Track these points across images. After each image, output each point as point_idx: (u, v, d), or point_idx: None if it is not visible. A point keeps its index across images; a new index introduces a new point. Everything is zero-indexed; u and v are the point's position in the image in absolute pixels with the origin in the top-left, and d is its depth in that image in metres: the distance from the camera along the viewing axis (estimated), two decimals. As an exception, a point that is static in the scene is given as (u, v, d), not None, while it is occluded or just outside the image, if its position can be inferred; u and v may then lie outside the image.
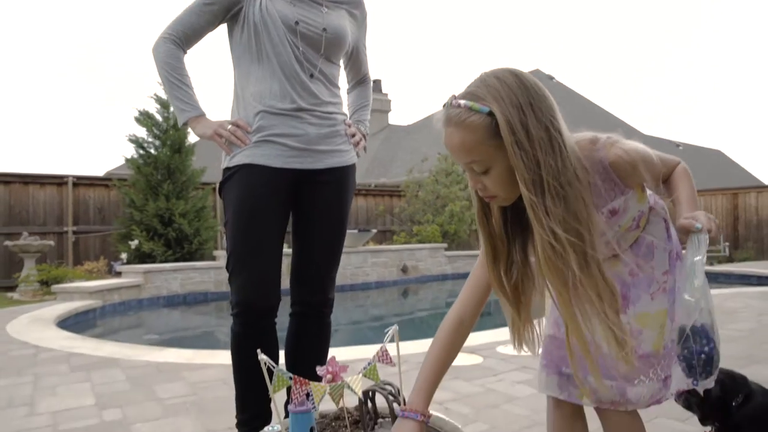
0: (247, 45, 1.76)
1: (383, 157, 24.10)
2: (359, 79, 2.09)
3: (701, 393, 1.54)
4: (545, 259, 1.03)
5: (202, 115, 1.78)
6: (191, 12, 1.76)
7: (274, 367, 1.17)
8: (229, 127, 1.74)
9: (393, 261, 9.79)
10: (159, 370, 3.32)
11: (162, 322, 6.66)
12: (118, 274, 8.00)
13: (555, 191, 1.01)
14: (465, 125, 1.03)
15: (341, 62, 1.93)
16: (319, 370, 1.27)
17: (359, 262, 9.26)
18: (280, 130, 1.73)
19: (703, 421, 1.63)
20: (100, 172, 13.84)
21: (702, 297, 1.04)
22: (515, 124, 1.00)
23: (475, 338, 4.01)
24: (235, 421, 1.83)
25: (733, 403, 1.56)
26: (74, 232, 9.41)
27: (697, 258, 1.05)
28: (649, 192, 1.27)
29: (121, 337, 5.22)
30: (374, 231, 10.37)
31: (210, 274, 8.04)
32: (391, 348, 1.27)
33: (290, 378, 1.19)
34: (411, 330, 5.45)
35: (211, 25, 1.79)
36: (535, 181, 1.01)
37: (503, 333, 4.24)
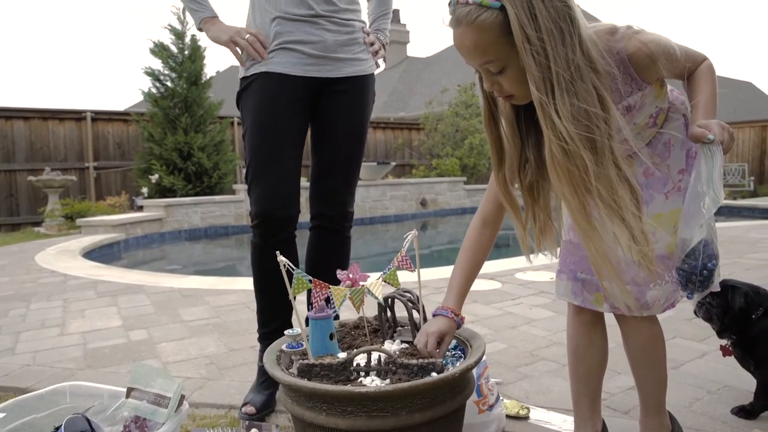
0: None
1: (402, 90, 23.67)
2: None
3: (725, 302, 1.52)
4: (555, 162, 0.99)
5: (216, 17, 1.73)
6: None
7: (293, 270, 1.18)
8: (248, 36, 1.68)
9: (412, 194, 9.78)
10: (182, 295, 3.41)
11: (184, 254, 6.80)
12: (140, 208, 8.13)
13: (566, 86, 0.96)
14: (477, 24, 0.96)
15: None
16: (340, 274, 1.27)
17: (378, 195, 9.27)
18: (297, 37, 1.67)
19: (721, 334, 1.63)
20: (120, 108, 13.81)
21: (709, 213, 1.01)
22: (526, 18, 0.94)
23: (493, 266, 4.03)
24: (256, 339, 1.87)
25: (753, 316, 1.55)
26: (95, 168, 9.51)
27: (709, 170, 0.99)
28: (669, 87, 1.20)
29: (145, 268, 5.36)
30: (393, 164, 10.31)
31: (230, 207, 8.13)
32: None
33: (310, 281, 1.19)
34: (431, 261, 5.49)
35: None
36: (545, 78, 0.96)
37: (522, 261, 4.25)
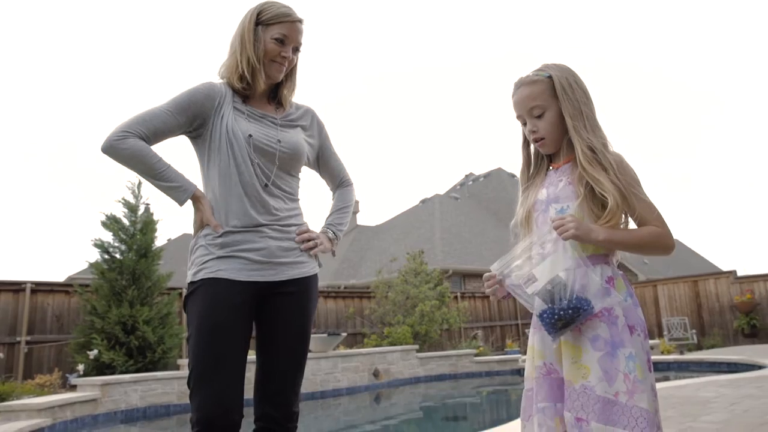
0: (214, 164, 1.82)
1: (352, 258, 24.12)
2: (337, 183, 2.17)
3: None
4: (586, 158, 1.46)
5: (202, 194, 1.83)
6: (154, 116, 1.79)
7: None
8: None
9: (364, 365, 9.52)
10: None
11: (118, 439, 6.22)
12: (73, 387, 7.56)
13: (591, 124, 1.52)
14: (531, 82, 1.56)
15: (303, 173, 2.00)
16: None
17: (329, 367, 8.98)
18: (243, 246, 1.77)
19: None
20: (59, 277, 13.45)
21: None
22: (565, 85, 1.53)
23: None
24: None
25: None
26: (27, 342, 8.94)
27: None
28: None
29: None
30: (344, 334, 10.16)
31: (173, 384, 7.66)
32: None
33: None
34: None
35: (172, 134, 1.84)
36: (576, 114, 1.52)
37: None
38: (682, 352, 11.37)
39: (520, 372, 10.86)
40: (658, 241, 1.42)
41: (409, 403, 8.58)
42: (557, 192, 1.52)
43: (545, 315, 1.38)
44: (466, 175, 35.35)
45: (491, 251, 22.33)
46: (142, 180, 9.99)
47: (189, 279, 1.78)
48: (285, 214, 1.85)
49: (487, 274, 1.56)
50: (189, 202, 1.82)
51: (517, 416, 4.96)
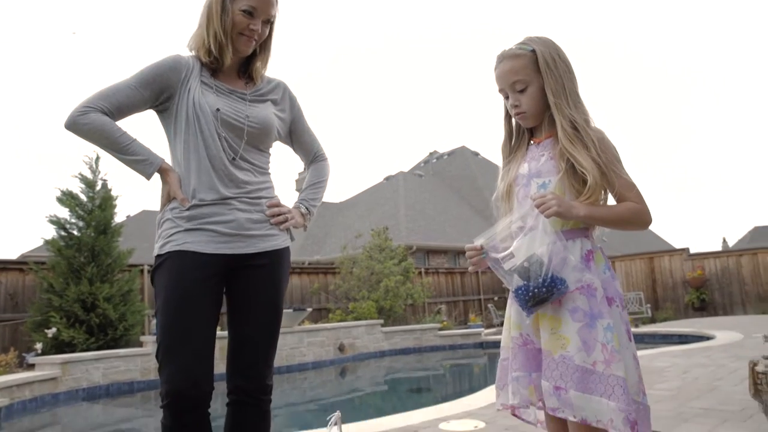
0: (180, 138, 1.79)
1: (317, 234, 24.07)
2: (311, 158, 2.13)
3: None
4: (566, 134, 1.47)
5: (169, 167, 1.79)
6: (118, 91, 1.75)
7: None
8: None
9: (330, 340, 9.58)
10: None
11: (81, 418, 6.14)
12: (31, 366, 7.38)
13: (573, 99, 1.52)
14: (514, 55, 1.55)
15: (274, 148, 1.98)
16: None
17: (295, 342, 9.01)
18: (210, 219, 1.74)
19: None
20: (11, 256, 12.93)
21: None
22: (549, 60, 1.52)
23: (415, 416, 3.93)
24: None
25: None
26: (-18, 323, 8.67)
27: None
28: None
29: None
30: (309, 309, 10.18)
31: (136, 361, 7.56)
32: None
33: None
34: (351, 411, 5.26)
35: (138, 109, 1.79)
36: (559, 89, 1.51)
37: (445, 409, 4.18)
38: (637, 325, 11.81)
39: (483, 345, 11.12)
40: (637, 216, 1.46)
41: (374, 377, 8.70)
42: (539, 167, 1.53)
43: (520, 291, 1.41)
44: (430, 153, 35.48)
45: (455, 228, 22.58)
46: (101, 155, 9.75)
47: (156, 252, 1.76)
48: (254, 187, 1.82)
49: (469, 246, 1.57)
50: (156, 176, 1.78)
51: (480, 387, 5.10)
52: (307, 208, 2.01)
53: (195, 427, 1.63)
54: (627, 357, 1.40)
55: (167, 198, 1.78)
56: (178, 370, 1.61)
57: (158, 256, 1.75)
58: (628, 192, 1.46)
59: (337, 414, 1.16)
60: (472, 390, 5.02)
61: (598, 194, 1.46)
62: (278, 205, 1.89)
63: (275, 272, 1.83)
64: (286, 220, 1.88)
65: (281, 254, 1.86)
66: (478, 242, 1.54)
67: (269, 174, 1.93)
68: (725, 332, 8.78)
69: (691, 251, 14.95)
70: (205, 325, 1.70)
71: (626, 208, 1.46)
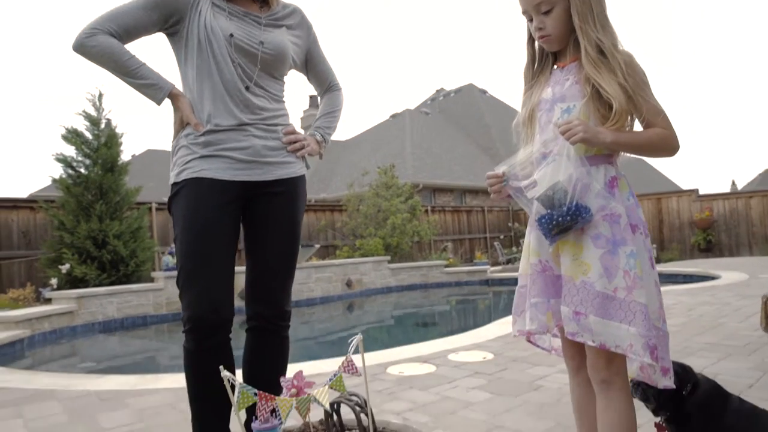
0: (191, 63, 1.74)
1: (323, 172, 24.02)
2: (325, 87, 2.09)
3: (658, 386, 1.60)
4: (590, 58, 1.40)
5: (180, 92, 1.75)
6: (126, 12, 1.69)
7: (237, 383, 1.13)
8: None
9: (337, 275, 9.72)
10: (100, 398, 3.14)
11: (98, 349, 6.33)
12: (48, 300, 7.56)
13: (601, 21, 1.43)
14: None
15: (290, 76, 1.93)
16: (284, 381, 1.23)
17: (303, 278, 9.14)
18: (227, 145, 1.72)
19: (656, 412, 1.69)
20: (22, 195, 13.01)
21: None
22: None
23: (426, 347, 4.02)
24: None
25: (684, 392, 1.63)
26: (-3, 259, 8.82)
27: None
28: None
29: (55, 367, 4.92)
30: (317, 246, 10.28)
31: (148, 296, 7.73)
32: (356, 359, 1.25)
33: (255, 394, 1.14)
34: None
35: (147, 32, 1.74)
36: (584, 13, 1.42)
37: (454, 341, 4.27)
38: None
39: (488, 282, 11.27)
40: (665, 142, 1.42)
41: (381, 312, 8.88)
42: (563, 91, 1.47)
43: (543, 220, 1.38)
44: (437, 91, 34.83)
45: (461, 166, 22.45)
46: (103, 92, 9.62)
47: (172, 180, 1.74)
48: (270, 114, 1.79)
49: (490, 173, 1.53)
50: (167, 102, 1.75)
51: (486, 323, 5.20)
52: (322, 136, 1.99)
53: (216, 351, 1.66)
54: (649, 284, 1.40)
55: (180, 124, 1.75)
56: (199, 296, 1.63)
57: (175, 184, 1.73)
58: (655, 117, 1.41)
59: (359, 337, 1.17)
60: (478, 325, 5.11)
61: (624, 120, 1.41)
62: (294, 132, 1.86)
63: (293, 200, 1.83)
64: (302, 147, 1.86)
65: (298, 182, 1.85)
66: (500, 169, 1.51)
67: (284, 102, 1.89)
68: (731, 272, 8.85)
69: (700, 193, 14.87)
70: (225, 251, 1.70)
71: (654, 134, 1.41)
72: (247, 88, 1.74)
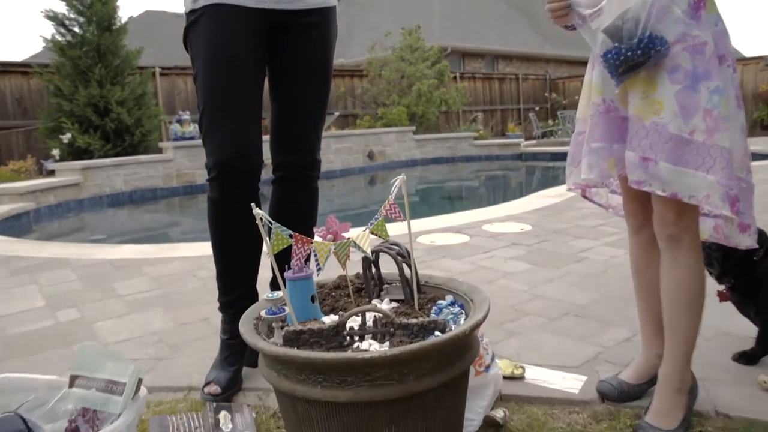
0: None
1: (340, 34, 23.04)
2: None
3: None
4: None
5: None
6: None
7: (271, 224, 1.07)
8: None
9: (358, 146, 9.65)
10: (115, 266, 3.22)
11: (108, 223, 6.48)
12: (51, 172, 7.67)
13: None
14: None
15: None
16: (317, 231, 1.18)
17: (322, 148, 9.07)
18: None
19: (720, 278, 1.64)
20: (17, 59, 12.75)
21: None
22: None
23: (458, 218, 4.01)
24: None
25: (755, 258, 1.56)
26: (-6, 129, 8.86)
27: None
28: None
29: (63, 240, 5.05)
30: (336, 114, 10.12)
31: (158, 168, 7.78)
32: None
33: (290, 236, 1.09)
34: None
35: None
36: None
37: (488, 212, 4.25)
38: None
39: (521, 157, 11.12)
40: None
41: (407, 186, 8.88)
42: None
43: (610, 56, 1.23)
44: (469, -63, 32.42)
45: (494, 30, 21.45)
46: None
47: (188, 8, 1.59)
48: None
49: None
50: None
51: (517, 197, 5.15)
52: None
53: (244, 202, 1.60)
54: (734, 127, 1.27)
55: None
56: (227, 138, 1.55)
57: (191, 12, 1.58)
58: None
59: (402, 177, 1.10)
60: (509, 200, 5.06)
61: None
62: None
63: (325, 32, 1.70)
64: None
65: (330, 13, 1.71)
66: None
67: None
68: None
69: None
70: (254, 87, 1.60)
71: None
72: None
